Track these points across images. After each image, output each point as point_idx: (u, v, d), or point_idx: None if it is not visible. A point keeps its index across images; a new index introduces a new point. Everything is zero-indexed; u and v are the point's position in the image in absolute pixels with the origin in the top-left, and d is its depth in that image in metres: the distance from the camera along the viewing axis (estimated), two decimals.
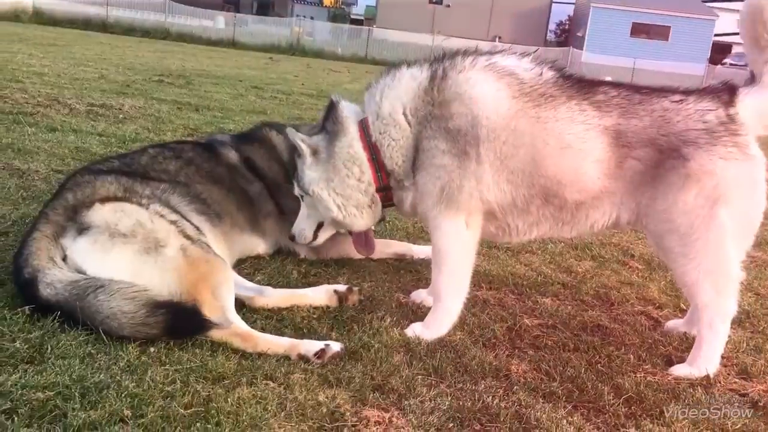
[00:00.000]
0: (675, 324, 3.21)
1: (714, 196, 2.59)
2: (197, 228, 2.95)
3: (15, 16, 29.86)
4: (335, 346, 2.57)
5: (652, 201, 2.69)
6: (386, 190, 3.02)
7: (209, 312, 2.57)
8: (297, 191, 3.19)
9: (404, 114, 2.88)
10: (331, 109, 3.08)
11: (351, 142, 2.97)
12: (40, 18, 30.62)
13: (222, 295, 2.66)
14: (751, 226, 2.71)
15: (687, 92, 2.77)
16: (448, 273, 2.89)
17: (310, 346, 2.55)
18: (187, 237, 2.79)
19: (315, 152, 3.04)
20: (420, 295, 3.24)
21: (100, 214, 2.73)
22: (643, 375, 2.72)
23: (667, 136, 2.66)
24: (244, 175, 3.57)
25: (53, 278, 2.54)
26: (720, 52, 42.50)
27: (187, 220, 2.94)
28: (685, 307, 3.45)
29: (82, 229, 2.69)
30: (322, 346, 2.54)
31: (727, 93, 2.70)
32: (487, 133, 2.71)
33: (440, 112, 2.78)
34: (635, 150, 2.68)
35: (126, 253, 2.64)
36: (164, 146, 3.62)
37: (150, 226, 2.73)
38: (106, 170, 3.11)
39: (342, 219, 3.07)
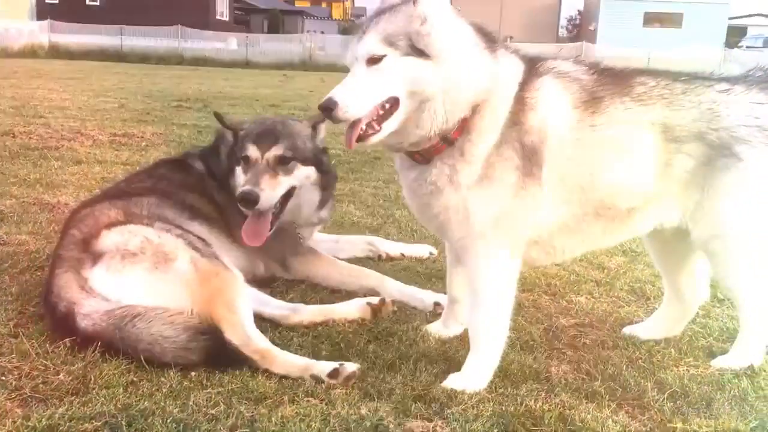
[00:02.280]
0: (632, 330, 3.02)
1: (766, 201, 2.47)
2: (202, 239, 2.98)
3: (32, 52, 30.43)
4: (350, 367, 2.50)
5: (699, 206, 2.52)
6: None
7: (227, 327, 2.57)
8: None
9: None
10: None
11: None
12: (57, 52, 31.19)
13: (238, 310, 2.66)
14: None
15: (729, 80, 2.57)
16: (493, 313, 2.52)
17: (323, 367, 2.50)
18: (196, 249, 2.81)
19: None
20: (436, 328, 2.95)
21: (108, 239, 2.78)
22: (685, 368, 2.69)
23: (717, 131, 2.46)
24: (211, 185, 3.50)
25: (90, 309, 2.58)
26: (736, 35, 42.02)
27: (190, 232, 2.98)
28: (722, 296, 3.40)
29: (96, 258, 2.73)
30: (336, 366, 2.49)
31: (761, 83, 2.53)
32: (554, 151, 2.41)
33: (521, 120, 2.40)
34: (685, 145, 2.47)
35: (137, 270, 2.68)
36: (140, 170, 3.72)
37: (158, 241, 2.78)
38: (97, 199, 3.20)
39: None
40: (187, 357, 2.46)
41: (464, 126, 2.37)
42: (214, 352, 2.48)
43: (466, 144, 2.38)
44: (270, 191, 3.17)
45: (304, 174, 3.34)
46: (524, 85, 2.43)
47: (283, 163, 3.27)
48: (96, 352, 2.50)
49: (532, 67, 2.49)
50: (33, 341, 2.58)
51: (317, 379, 2.46)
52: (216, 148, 3.63)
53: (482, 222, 2.42)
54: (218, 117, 3.58)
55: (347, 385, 2.43)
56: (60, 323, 2.61)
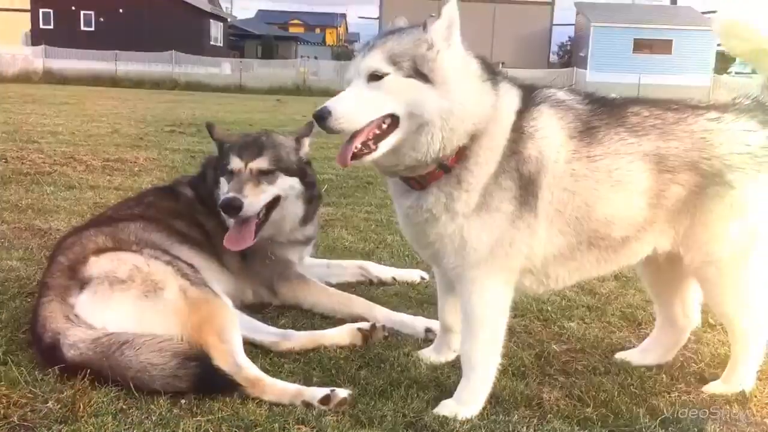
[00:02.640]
0: (625, 356, 3.00)
1: (757, 227, 2.49)
2: (191, 265, 2.97)
3: (26, 78, 30.51)
4: (341, 393, 2.49)
5: (691, 232, 2.52)
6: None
7: (217, 356, 2.56)
8: None
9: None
10: None
11: None
12: (51, 77, 31.29)
13: (228, 338, 2.65)
14: None
15: (718, 108, 2.58)
16: (486, 340, 2.50)
17: (315, 393, 2.49)
18: (185, 276, 2.81)
19: None
20: (427, 354, 2.94)
21: (96, 265, 2.77)
22: (677, 394, 2.69)
23: (710, 160, 2.45)
24: (200, 211, 3.49)
25: (75, 338, 2.56)
26: (725, 61, 42.47)
27: (180, 259, 2.97)
28: (713, 322, 3.41)
29: (83, 284, 2.72)
30: (328, 392, 2.48)
31: (761, 111, 2.54)
32: (550, 181, 2.40)
33: (519, 149, 2.39)
34: (678, 175, 2.46)
35: (126, 298, 2.67)
36: (129, 198, 3.76)
37: (147, 269, 2.76)
38: (86, 226, 3.21)
39: None
40: (176, 384, 2.45)
41: (462, 154, 2.36)
42: (203, 379, 2.46)
43: (463, 172, 2.38)
44: (253, 198, 3.19)
45: (288, 184, 3.36)
46: (522, 114, 2.43)
47: (266, 173, 3.28)
48: (85, 379, 2.48)
49: (529, 95, 2.49)
50: (22, 368, 2.56)
51: (309, 406, 2.44)
52: (203, 174, 3.65)
53: (478, 251, 2.41)
54: (209, 128, 3.62)
55: (339, 411, 2.42)
56: (46, 353, 2.59)
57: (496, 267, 2.44)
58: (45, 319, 2.64)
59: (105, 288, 2.69)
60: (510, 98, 2.46)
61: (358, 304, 3.42)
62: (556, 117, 2.45)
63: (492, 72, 2.48)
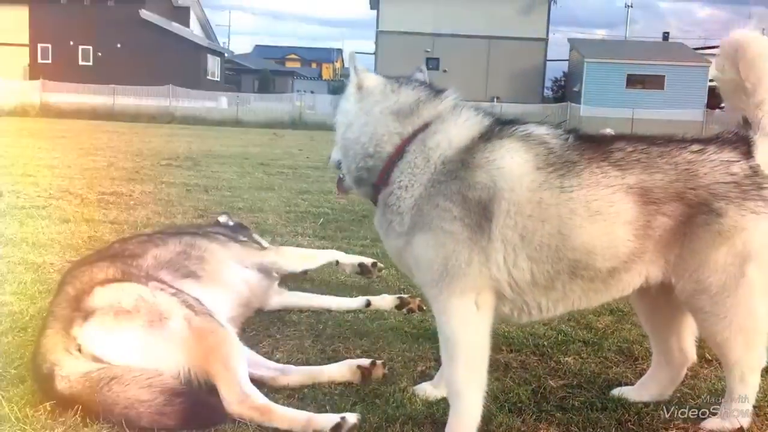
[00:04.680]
0: (622, 392, 2.98)
1: (745, 254, 2.48)
2: (197, 299, 2.97)
3: (23, 111, 30.66)
4: (351, 419, 2.52)
5: (681, 260, 2.54)
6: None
7: (224, 386, 2.56)
8: None
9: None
10: None
11: None
12: (48, 111, 31.47)
13: (234, 366, 2.65)
14: None
15: (702, 141, 2.64)
16: (464, 365, 2.49)
17: (325, 421, 2.50)
18: (190, 307, 2.81)
19: None
20: (423, 389, 2.93)
21: (101, 296, 2.77)
22: (675, 431, 2.66)
23: (695, 189, 2.49)
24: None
25: (68, 370, 2.55)
26: (717, 96, 42.89)
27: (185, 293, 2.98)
28: (710, 357, 3.39)
29: (88, 315, 2.71)
30: (338, 420, 2.50)
31: (743, 143, 2.59)
32: (508, 208, 2.46)
33: (464, 176, 2.50)
34: (664, 206, 2.50)
35: (132, 329, 2.67)
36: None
37: (152, 300, 2.77)
38: (98, 258, 3.20)
39: None
40: (163, 421, 2.42)
41: (384, 176, 2.62)
42: (191, 415, 2.44)
43: (391, 194, 2.59)
44: None
45: None
46: (478, 144, 2.55)
47: None
48: (77, 416, 2.45)
49: (496, 128, 2.61)
50: (13, 405, 2.54)
51: None
52: None
53: (430, 268, 2.49)
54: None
55: None
56: (42, 384, 2.58)
57: (457, 287, 2.47)
58: (46, 351, 2.63)
59: (110, 319, 2.69)
60: (456, 130, 2.61)
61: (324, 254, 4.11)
62: (521, 150, 2.53)
63: (421, 106, 2.69)
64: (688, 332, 2.90)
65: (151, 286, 2.87)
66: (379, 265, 4.51)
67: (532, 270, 2.49)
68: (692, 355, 2.96)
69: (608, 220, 2.48)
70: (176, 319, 2.72)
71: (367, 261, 4.48)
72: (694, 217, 2.49)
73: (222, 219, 4.39)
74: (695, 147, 2.58)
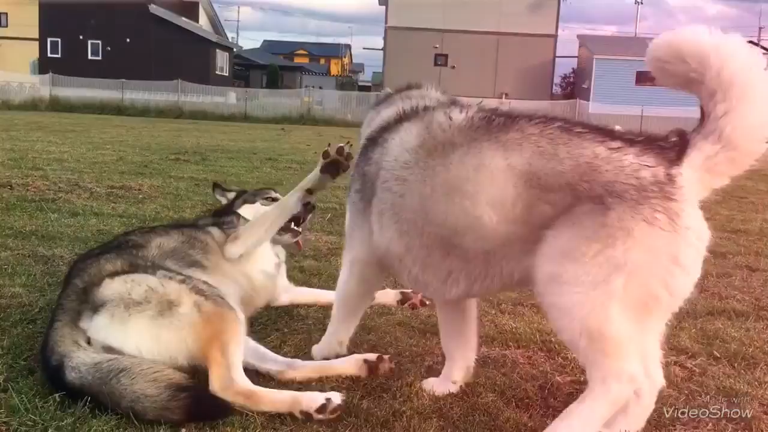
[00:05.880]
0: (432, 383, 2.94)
1: (618, 261, 2.17)
2: (206, 283, 3.00)
3: (33, 106, 30.82)
4: (336, 399, 2.57)
5: (549, 238, 2.31)
6: None
7: (214, 371, 2.60)
8: None
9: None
10: None
11: None
12: (57, 105, 31.62)
13: (230, 353, 2.67)
14: (661, 305, 2.24)
15: (632, 141, 2.34)
16: (344, 309, 3.15)
17: (311, 402, 2.55)
18: (200, 292, 2.83)
19: None
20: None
21: (111, 288, 2.79)
22: (681, 428, 2.65)
23: (590, 183, 2.25)
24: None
25: (78, 361, 2.57)
26: None
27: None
28: (718, 355, 3.38)
29: (97, 307, 2.73)
30: (323, 401, 2.54)
31: (676, 149, 2.28)
32: (382, 183, 2.70)
33: (368, 152, 2.87)
34: (549, 194, 2.31)
35: (143, 319, 2.69)
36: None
37: (162, 289, 2.78)
38: (104, 251, 3.22)
39: None
40: (168, 416, 2.43)
41: None
42: (195, 409, 2.45)
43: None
44: None
45: None
46: (392, 124, 2.82)
47: None
48: (86, 407, 2.46)
49: (418, 110, 2.80)
50: (23, 396, 2.55)
51: (306, 416, 2.52)
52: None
53: (347, 232, 3.04)
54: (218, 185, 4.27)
55: (334, 417, 2.53)
56: (52, 376, 2.60)
57: (350, 250, 3.00)
58: (54, 343, 2.65)
59: (121, 310, 2.71)
60: (382, 114, 2.96)
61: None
62: (412, 130, 2.70)
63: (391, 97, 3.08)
64: (653, 354, 2.57)
65: (159, 275, 2.89)
66: None
67: (406, 244, 2.65)
68: (660, 379, 2.60)
69: (469, 200, 2.41)
70: (186, 306, 2.75)
71: None
72: (579, 205, 2.26)
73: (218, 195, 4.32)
74: (615, 144, 2.31)
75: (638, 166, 2.23)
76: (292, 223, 3.79)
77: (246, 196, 4.08)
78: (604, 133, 2.38)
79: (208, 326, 2.70)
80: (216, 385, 2.59)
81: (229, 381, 2.58)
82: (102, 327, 2.69)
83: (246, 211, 3.91)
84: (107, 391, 2.46)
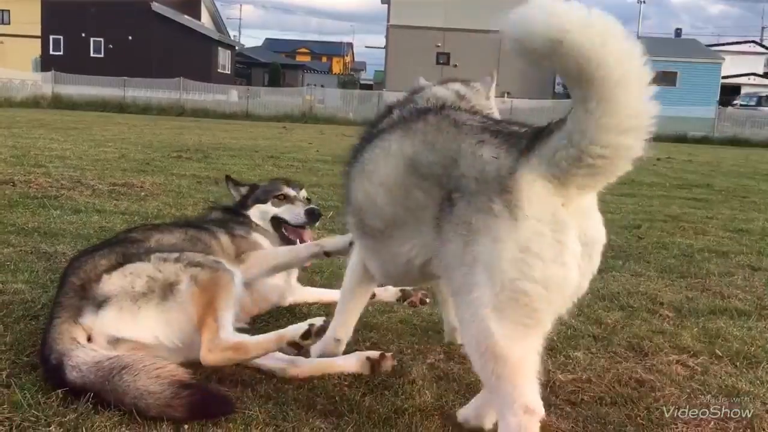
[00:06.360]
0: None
1: (473, 257, 2.09)
2: (203, 254, 3.07)
3: (35, 103, 30.84)
4: (318, 321, 2.68)
5: (439, 242, 2.27)
6: None
7: (205, 335, 2.70)
8: None
9: None
10: None
11: None
12: (59, 103, 31.61)
13: (219, 316, 2.75)
14: (535, 301, 2.03)
15: (498, 134, 2.24)
16: (340, 296, 3.18)
17: (295, 331, 2.66)
18: (195, 264, 2.90)
19: None
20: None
21: (111, 283, 2.80)
22: (684, 426, 2.66)
23: (449, 177, 2.23)
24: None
25: (78, 360, 2.57)
26: (730, 93, 42.70)
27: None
28: (720, 354, 3.38)
29: (101, 303, 2.75)
30: (306, 328, 2.64)
31: (528, 140, 2.16)
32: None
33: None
34: (423, 182, 2.32)
35: (152, 308, 2.75)
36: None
37: (160, 275, 2.84)
38: (98, 247, 3.23)
39: None
40: (171, 413, 2.43)
41: None
42: (198, 406, 2.46)
43: None
44: None
45: None
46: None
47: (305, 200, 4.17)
48: (88, 404, 2.47)
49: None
50: (25, 392, 2.55)
51: (294, 344, 2.67)
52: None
53: None
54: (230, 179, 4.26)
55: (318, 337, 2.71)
56: (52, 375, 2.60)
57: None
58: (53, 340, 2.65)
59: (129, 304, 2.75)
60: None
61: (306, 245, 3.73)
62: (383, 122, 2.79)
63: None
64: None
65: (152, 259, 2.92)
66: None
67: (356, 232, 2.82)
68: None
69: (369, 180, 2.58)
70: (184, 282, 2.82)
71: None
72: (442, 202, 2.25)
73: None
74: (481, 138, 2.26)
75: (488, 160, 2.15)
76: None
77: (258, 193, 4.08)
78: (489, 127, 2.31)
79: (204, 294, 2.79)
80: (204, 349, 2.66)
81: (217, 341, 2.66)
82: (111, 321, 2.71)
83: (256, 213, 3.96)
84: (110, 388, 2.47)
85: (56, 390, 2.53)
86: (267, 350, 2.70)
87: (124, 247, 3.11)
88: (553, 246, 2.01)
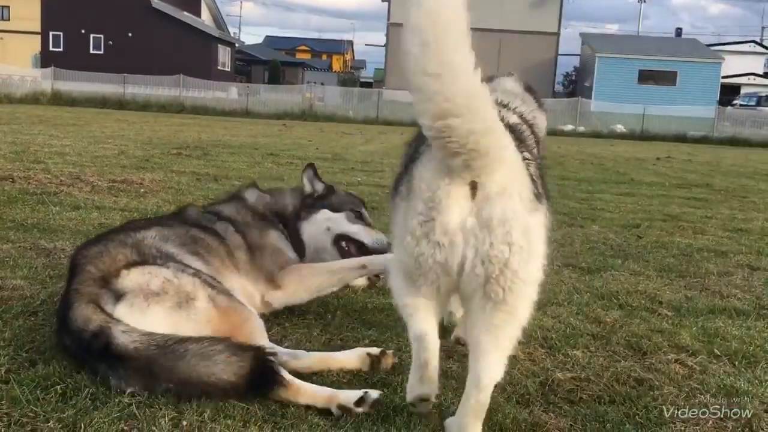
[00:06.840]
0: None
1: None
2: (213, 278, 3.06)
3: (34, 99, 30.80)
4: (374, 394, 2.58)
5: None
6: None
7: None
8: None
9: None
10: None
11: None
12: (59, 99, 31.58)
13: (259, 343, 2.74)
14: None
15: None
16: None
17: (348, 395, 2.56)
18: (211, 286, 2.91)
19: None
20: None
21: (129, 279, 2.82)
22: (682, 425, 2.66)
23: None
24: (208, 218, 3.72)
25: (128, 327, 2.59)
26: (730, 93, 42.70)
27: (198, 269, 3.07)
28: (719, 353, 3.39)
29: (119, 296, 2.76)
30: (361, 395, 2.56)
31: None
32: None
33: None
34: None
35: (161, 310, 2.74)
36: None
37: (177, 281, 2.84)
38: (108, 239, 3.18)
39: None
40: (226, 380, 2.50)
41: None
42: (257, 372, 2.54)
43: None
44: None
45: None
46: None
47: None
48: (87, 399, 2.47)
49: None
50: (24, 387, 2.55)
51: (345, 409, 2.52)
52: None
53: None
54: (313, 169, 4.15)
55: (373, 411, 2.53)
56: (87, 344, 2.58)
57: None
58: (87, 315, 2.63)
59: (140, 300, 2.75)
60: None
61: (354, 261, 3.71)
62: None
63: None
64: None
65: (171, 267, 2.94)
66: None
67: None
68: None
69: None
70: (201, 300, 2.81)
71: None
72: None
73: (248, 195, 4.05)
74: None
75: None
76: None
77: (333, 199, 4.00)
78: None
79: (225, 320, 2.78)
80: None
81: None
82: (122, 316, 2.70)
83: (320, 218, 3.90)
84: (165, 354, 2.50)
85: (56, 386, 2.54)
86: (314, 402, 2.56)
87: (135, 240, 3.12)
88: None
